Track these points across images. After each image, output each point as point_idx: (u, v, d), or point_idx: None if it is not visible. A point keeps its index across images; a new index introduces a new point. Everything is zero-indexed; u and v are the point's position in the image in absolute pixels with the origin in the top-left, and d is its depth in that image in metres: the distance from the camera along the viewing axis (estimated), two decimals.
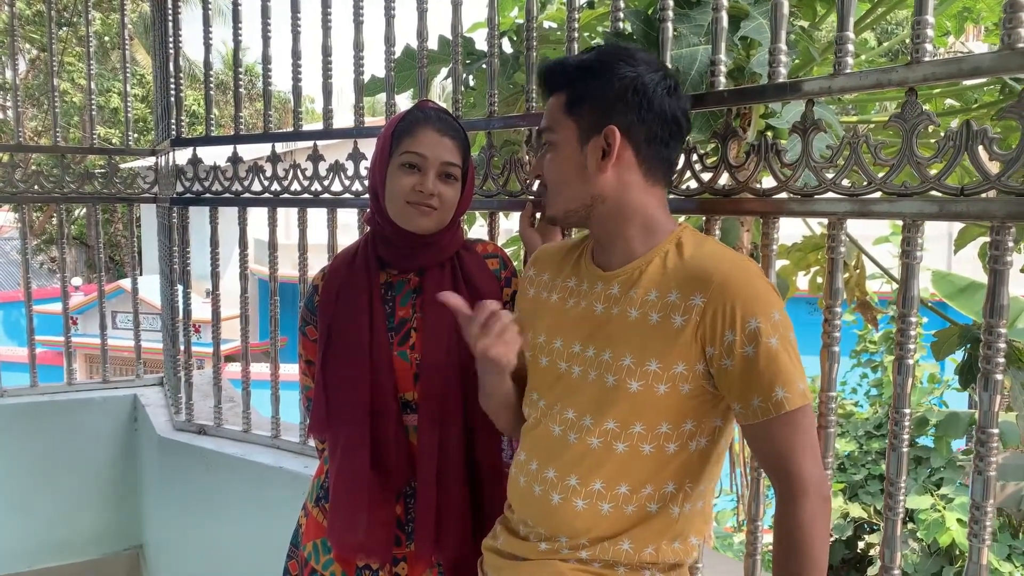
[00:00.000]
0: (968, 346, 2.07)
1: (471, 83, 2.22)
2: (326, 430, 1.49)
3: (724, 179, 1.43)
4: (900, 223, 1.22)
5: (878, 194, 1.20)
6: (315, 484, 1.57)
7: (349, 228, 2.16)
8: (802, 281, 2.59)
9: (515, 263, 1.59)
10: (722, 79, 1.40)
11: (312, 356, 1.53)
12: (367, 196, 2.14)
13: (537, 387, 1.26)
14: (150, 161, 3.41)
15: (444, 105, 1.59)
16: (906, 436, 1.23)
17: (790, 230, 1.82)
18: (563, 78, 1.19)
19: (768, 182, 1.36)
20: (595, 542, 1.16)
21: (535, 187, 1.75)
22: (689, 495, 1.17)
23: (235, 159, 2.59)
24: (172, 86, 2.89)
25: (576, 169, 1.17)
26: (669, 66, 1.44)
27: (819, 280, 2.53)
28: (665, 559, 1.18)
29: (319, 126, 2.34)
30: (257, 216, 2.67)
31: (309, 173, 2.33)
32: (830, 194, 1.26)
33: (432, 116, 1.42)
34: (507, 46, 2.16)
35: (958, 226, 2.02)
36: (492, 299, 1.45)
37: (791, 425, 1.06)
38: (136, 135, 15.57)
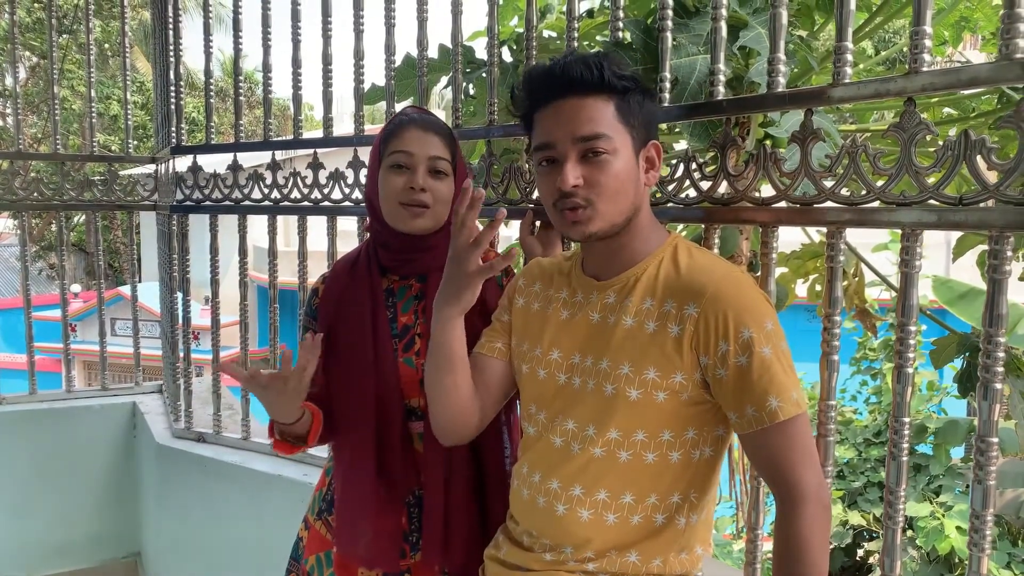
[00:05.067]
0: (967, 354, 2.07)
1: (471, 92, 2.22)
2: (328, 437, 1.49)
3: (723, 188, 1.43)
4: (899, 231, 1.22)
5: (877, 203, 1.20)
6: (316, 497, 1.56)
7: (349, 236, 2.17)
8: (801, 289, 2.60)
9: (515, 271, 1.59)
10: (721, 88, 1.40)
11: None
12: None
13: (536, 400, 1.25)
14: (150, 168, 3.41)
15: (444, 113, 1.60)
16: (906, 445, 1.23)
17: (789, 237, 1.82)
18: (612, 83, 1.13)
19: (767, 191, 1.36)
20: (602, 553, 1.16)
21: (535, 195, 1.75)
22: (695, 505, 1.17)
23: (235, 167, 2.59)
24: (172, 94, 2.89)
25: (633, 180, 1.16)
26: (668, 75, 1.45)
27: (818, 288, 2.54)
28: (672, 571, 1.17)
29: (319, 134, 2.34)
30: (256, 223, 2.67)
31: (309, 181, 2.33)
32: (829, 203, 1.26)
33: (415, 116, 1.44)
34: (507, 55, 2.17)
35: (956, 234, 2.03)
36: (493, 305, 1.46)
37: (785, 434, 1.06)
38: (135, 142, 15.58)
